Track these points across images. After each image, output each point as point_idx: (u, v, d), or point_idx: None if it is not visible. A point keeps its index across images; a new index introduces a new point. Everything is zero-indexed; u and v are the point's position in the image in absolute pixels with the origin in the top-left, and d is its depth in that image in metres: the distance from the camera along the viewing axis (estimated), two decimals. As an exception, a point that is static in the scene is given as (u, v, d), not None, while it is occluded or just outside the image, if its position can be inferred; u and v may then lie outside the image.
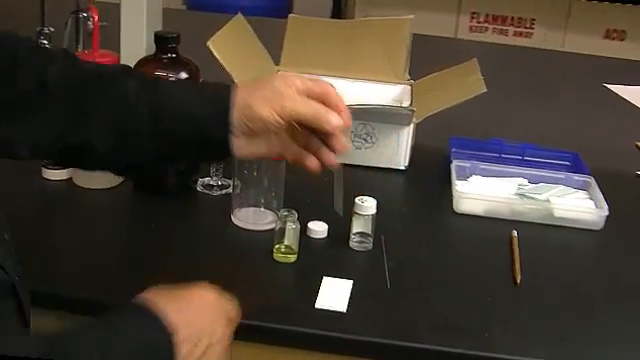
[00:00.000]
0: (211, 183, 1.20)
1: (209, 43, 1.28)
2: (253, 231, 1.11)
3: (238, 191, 1.11)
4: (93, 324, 0.75)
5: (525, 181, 1.27)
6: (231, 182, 1.16)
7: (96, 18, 1.11)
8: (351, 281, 1.01)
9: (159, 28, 1.59)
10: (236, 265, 1.05)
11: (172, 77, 1.13)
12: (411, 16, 1.49)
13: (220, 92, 0.85)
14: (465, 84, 1.34)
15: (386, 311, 0.96)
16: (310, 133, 0.87)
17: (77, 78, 0.86)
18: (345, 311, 0.95)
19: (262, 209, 1.12)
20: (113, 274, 0.99)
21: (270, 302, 0.96)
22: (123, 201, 1.18)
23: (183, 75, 1.14)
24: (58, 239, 1.08)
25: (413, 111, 1.25)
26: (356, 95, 1.46)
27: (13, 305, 0.75)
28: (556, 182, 1.27)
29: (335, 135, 0.86)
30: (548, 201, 1.21)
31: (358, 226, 1.08)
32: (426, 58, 1.51)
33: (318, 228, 1.10)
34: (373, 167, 1.32)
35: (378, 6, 3.00)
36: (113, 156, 0.86)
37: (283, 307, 0.95)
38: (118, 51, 1.48)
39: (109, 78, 0.86)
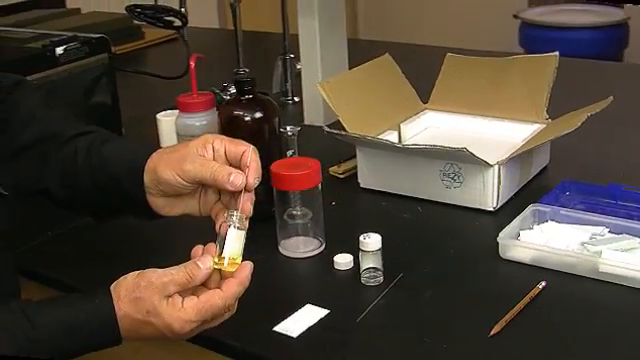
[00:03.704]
0: (293, 213, 1.31)
1: (317, 85, 1.39)
2: (299, 259, 1.20)
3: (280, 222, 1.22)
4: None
5: (605, 230, 1.15)
6: (309, 211, 1.26)
7: (192, 65, 1.30)
8: (327, 311, 1.06)
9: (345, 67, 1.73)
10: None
11: (247, 116, 1.27)
12: (556, 53, 1.42)
13: (139, 157, 0.98)
14: (566, 123, 1.25)
15: (334, 344, 0.99)
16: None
17: (47, 136, 1.06)
18: (295, 337, 1.01)
19: (309, 237, 1.22)
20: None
21: (240, 319, 1.05)
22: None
23: (257, 114, 1.27)
24: (154, 256, 1.23)
25: (468, 151, 1.21)
26: (494, 134, 1.45)
27: None
28: (646, 235, 1.13)
29: (238, 195, 0.92)
30: (599, 254, 1.09)
31: (367, 262, 1.11)
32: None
33: (342, 260, 1.16)
34: (462, 207, 1.30)
35: None
36: (69, 203, 1.06)
37: (247, 325, 1.03)
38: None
39: (69, 137, 1.05)
